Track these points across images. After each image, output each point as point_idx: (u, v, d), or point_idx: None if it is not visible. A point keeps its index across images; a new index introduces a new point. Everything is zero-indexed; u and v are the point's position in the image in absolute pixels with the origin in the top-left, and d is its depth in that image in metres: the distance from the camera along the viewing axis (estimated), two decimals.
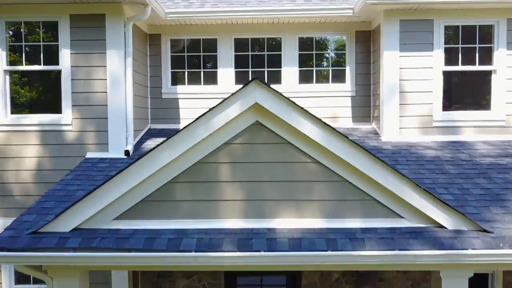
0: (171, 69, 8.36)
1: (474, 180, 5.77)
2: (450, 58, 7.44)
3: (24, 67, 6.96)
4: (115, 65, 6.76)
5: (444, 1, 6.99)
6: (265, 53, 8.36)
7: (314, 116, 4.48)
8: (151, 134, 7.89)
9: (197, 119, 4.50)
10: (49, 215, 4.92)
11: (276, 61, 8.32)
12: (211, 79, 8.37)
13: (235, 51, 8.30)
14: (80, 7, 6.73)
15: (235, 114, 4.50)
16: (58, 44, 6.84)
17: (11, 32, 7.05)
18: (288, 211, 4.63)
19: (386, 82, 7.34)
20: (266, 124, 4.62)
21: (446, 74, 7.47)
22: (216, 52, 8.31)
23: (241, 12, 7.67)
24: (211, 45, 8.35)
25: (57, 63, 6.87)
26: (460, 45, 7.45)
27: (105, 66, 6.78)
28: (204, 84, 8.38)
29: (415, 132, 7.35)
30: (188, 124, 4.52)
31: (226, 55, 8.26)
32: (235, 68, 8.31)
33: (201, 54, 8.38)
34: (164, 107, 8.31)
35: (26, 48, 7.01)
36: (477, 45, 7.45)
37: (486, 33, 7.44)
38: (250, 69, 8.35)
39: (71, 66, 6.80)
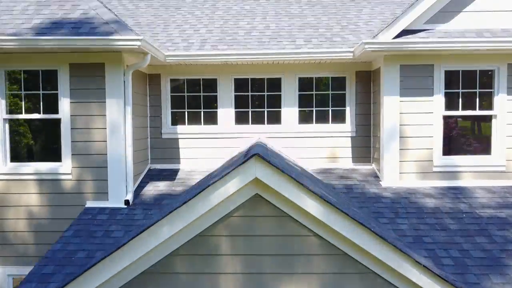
0: (171, 109, 8.35)
1: (474, 238, 5.76)
2: (451, 102, 7.43)
3: (23, 116, 6.95)
4: (114, 114, 6.74)
5: (444, 49, 6.98)
6: (265, 93, 8.34)
7: (314, 192, 4.45)
8: (151, 176, 7.88)
9: (196, 194, 4.47)
10: (50, 284, 4.92)
11: (276, 101, 8.32)
12: (211, 119, 8.36)
13: (235, 91, 8.29)
14: (79, 56, 6.71)
15: (235, 190, 4.49)
16: (57, 93, 6.82)
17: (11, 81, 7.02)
18: (287, 284, 4.61)
19: (386, 127, 7.32)
20: (266, 197, 4.61)
21: (447, 118, 7.45)
22: (216, 92, 8.30)
23: (241, 55, 7.66)
24: (211, 85, 8.34)
25: (56, 112, 6.86)
26: (460, 90, 7.43)
27: (105, 115, 6.77)
28: (204, 124, 8.37)
29: (415, 177, 7.33)
30: (188, 199, 4.49)
31: (226, 95, 8.25)
32: (235, 108, 8.30)
33: (201, 94, 8.36)
34: (164, 147, 8.30)
35: (26, 97, 6.98)
36: (477, 90, 7.43)
37: (487, 78, 7.43)
38: (250, 109, 8.34)
39: (71, 115, 6.79)
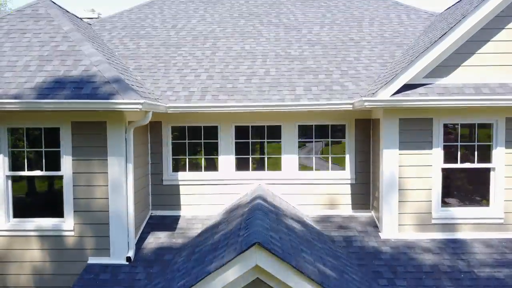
0: (172, 155, 8.42)
1: None
2: (449, 155, 7.49)
3: (26, 173, 7.01)
4: (116, 172, 6.80)
5: (442, 106, 7.04)
6: (265, 140, 8.42)
7: (314, 280, 4.52)
8: (152, 225, 7.95)
9: (197, 282, 4.54)
10: None
11: (276, 148, 8.39)
12: (212, 165, 8.43)
13: (235, 138, 8.36)
14: (81, 114, 6.77)
15: (235, 277, 4.56)
16: (59, 150, 6.89)
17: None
18: None
19: (385, 179, 7.38)
20: (267, 281, 4.68)
21: (445, 171, 7.51)
22: (217, 139, 8.37)
23: (241, 107, 7.73)
24: (212, 132, 8.40)
25: (59, 169, 6.92)
26: (459, 143, 7.49)
27: (107, 173, 6.83)
28: (205, 170, 8.44)
29: (414, 229, 7.39)
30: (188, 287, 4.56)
31: (226, 142, 8.32)
32: (236, 155, 8.37)
33: (202, 141, 8.43)
34: (165, 194, 8.37)
35: (28, 153, 7.05)
36: (476, 143, 7.49)
37: (485, 131, 7.49)
38: (250, 156, 8.42)
39: (73, 172, 6.86)
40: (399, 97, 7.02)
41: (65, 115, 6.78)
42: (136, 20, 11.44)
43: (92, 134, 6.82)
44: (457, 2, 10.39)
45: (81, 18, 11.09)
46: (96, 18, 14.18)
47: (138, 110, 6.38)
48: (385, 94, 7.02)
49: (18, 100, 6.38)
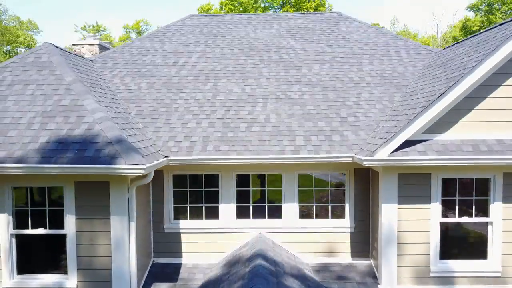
0: (174, 204, 8.52)
1: None
2: (447, 209, 7.59)
3: (30, 231, 7.11)
4: (118, 230, 6.90)
5: (440, 165, 7.13)
6: (266, 188, 8.52)
7: None
8: (154, 275, 8.05)
9: None
10: None
11: (276, 196, 8.49)
12: (213, 213, 8.53)
13: (236, 187, 8.46)
14: (84, 176, 6.85)
15: None
16: (63, 209, 6.99)
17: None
18: None
19: (384, 234, 7.47)
20: None
21: (443, 224, 7.61)
22: (217, 187, 8.47)
23: (241, 159, 7.82)
24: (213, 180, 8.51)
25: (62, 227, 7.03)
26: (457, 198, 7.59)
27: (109, 231, 6.93)
28: (206, 218, 8.54)
29: (412, 282, 7.49)
30: None
31: (227, 190, 8.42)
32: (236, 203, 8.47)
33: (203, 189, 8.53)
34: (167, 241, 8.47)
35: (32, 212, 7.14)
36: (473, 198, 7.59)
37: (483, 186, 7.58)
38: (251, 204, 8.52)
39: (76, 231, 6.96)
40: (397, 156, 7.12)
41: (69, 176, 6.87)
42: (137, 56, 11.53)
43: (95, 194, 6.91)
44: (456, 43, 10.48)
45: (83, 56, 11.18)
46: (97, 44, 14.30)
47: (140, 174, 6.48)
48: (384, 153, 7.11)
49: (22, 165, 6.48)
